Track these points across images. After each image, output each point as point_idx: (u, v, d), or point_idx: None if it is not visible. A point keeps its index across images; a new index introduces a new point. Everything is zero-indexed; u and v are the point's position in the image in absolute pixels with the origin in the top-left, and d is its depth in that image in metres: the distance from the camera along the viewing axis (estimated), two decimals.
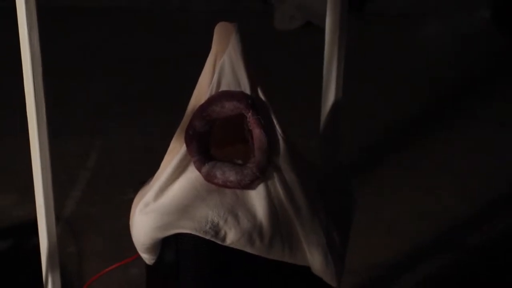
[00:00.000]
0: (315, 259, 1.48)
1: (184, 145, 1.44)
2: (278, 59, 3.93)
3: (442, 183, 2.96)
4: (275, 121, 1.44)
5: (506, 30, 4.39)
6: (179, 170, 1.46)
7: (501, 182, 2.97)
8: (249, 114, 1.41)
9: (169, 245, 1.51)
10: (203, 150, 1.45)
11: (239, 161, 1.44)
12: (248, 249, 1.44)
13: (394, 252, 2.54)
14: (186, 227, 1.45)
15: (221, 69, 1.43)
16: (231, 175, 1.42)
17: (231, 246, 1.44)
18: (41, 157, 1.71)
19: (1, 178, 2.93)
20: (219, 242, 1.44)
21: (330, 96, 1.70)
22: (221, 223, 1.43)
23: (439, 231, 2.67)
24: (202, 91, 1.46)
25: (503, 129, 3.36)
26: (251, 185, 1.43)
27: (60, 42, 3.78)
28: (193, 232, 1.44)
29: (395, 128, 3.40)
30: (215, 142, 1.47)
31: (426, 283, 2.42)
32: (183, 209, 1.45)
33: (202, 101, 1.45)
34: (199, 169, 1.44)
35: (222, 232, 1.43)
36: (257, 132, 1.41)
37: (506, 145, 3.23)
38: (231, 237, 1.43)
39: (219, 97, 1.43)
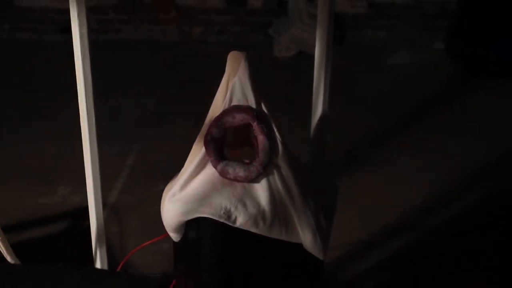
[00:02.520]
0: (306, 238, 1.48)
1: (203, 148, 1.44)
2: (277, 80, 3.94)
3: (406, 178, 2.96)
4: (275, 129, 1.44)
5: (456, 59, 4.39)
6: (199, 168, 1.45)
7: (451, 176, 2.97)
8: (255, 123, 1.41)
9: (191, 227, 1.51)
10: (218, 152, 1.44)
11: (247, 161, 1.44)
12: (254, 230, 1.44)
13: (366, 233, 2.53)
14: (205, 212, 1.44)
15: (233, 88, 1.43)
16: (240, 172, 1.42)
17: (240, 227, 1.43)
18: (91, 157, 1.71)
19: (60, 173, 2.93)
20: (231, 224, 1.43)
21: (318, 109, 1.70)
22: (232, 209, 1.42)
23: (403, 215, 2.66)
24: (217, 105, 1.46)
25: (451, 137, 3.36)
26: (256, 180, 1.42)
27: (107, 68, 3.78)
28: (210, 216, 1.44)
29: (368, 135, 3.40)
30: (227, 146, 1.47)
31: (391, 256, 2.42)
32: (202, 198, 1.45)
33: (218, 113, 1.44)
34: (215, 167, 1.43)
35: (233, 216, 1.43)
36: (260, 138, 1.41)
37: (454, 149, 3.23)
38: (240, 220, 1.43)
39: (231, 110, 1.43)
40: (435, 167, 3.07)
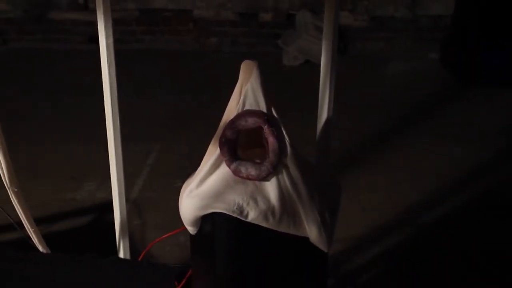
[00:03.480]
0: (312, 232, 1.47)
1: (218, 149, 1.43)
2: (286, 87, 3.93)
3: (403, 178, 2.95)
4: (284, 132, 1.43)
5: (450, 68, 4.38)
6: (215, 167, 1.45)
7: (445, 176, 2.96)
8: (266, 126, 1.40)
9: (207, 221, 1.50)
10: (232, 152, 1.44)
11: (258, 160, 1.43)
12: (264, 224, 1.43)
13: (366, 228, 2.53)
14: (219, 208, 1.44)
15: (245, 94, 1.43)
16: (252, 171, 1.41)
17: (252, 222, 1.43)
18: (115, 156, 1.71)
19: (87, 171, 2.94)
20: (243, 219, 1.43)
21: (323, 114, 1.69)
22: (245, 205, 1.42)
23: (400, 213, 2.65)
24: (231, 110, 1.45)
25: (445, 140, 3.35)
26: (266, 178, 1.42)
27: (130, 75, 3.79)
28: (224, 211, 1.43)
29: (368, 138, 3.39)
30: (240, 147, 1.46)
31: (389, 250, 2.42)
32: (217, 194, 1.44)
33: (232, 117, 1.44)
34: (228, 166, 1.43)
35: (245, 212, 1.42)
36: (271, 140, 1.40)
37: (448, 151, 3.23)
38: (252, 215, 1.42)
39: (244, 114, 1.42)
40: (430, 167, 3.06)
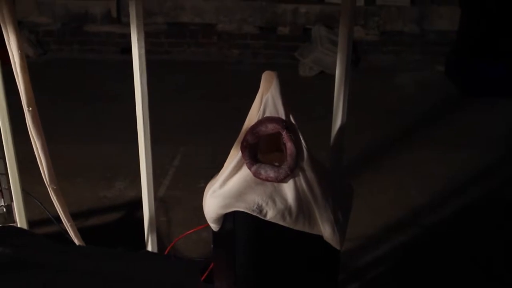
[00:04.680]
0: (326, 230, 1.46)
1: (240, 152, 1.43)
2: (302, 95, 3.92)
3: (409, 181, 2.93)
4: (301, 137, 1.43)
5: (454, 80, 4.35)
6: (236, 169, 1.45)
7: (448, 180, 2.93)
8: (284, 132, 1.40)
9: (229, 219, 1.50)
10: (253, 155, 1.43)
11: (277, 164, 1.43)
12: (281, 223, 1.43)
13: (374, 228, 2.51)
14: (240, 207, 1.44)
15: (266, 102, 1.42)
16: (271, 173, 1.41)
17: (270, 220, 1.43)
18: (145, 157, 1.72)
19: (118, 170, 2.95)
20: (262, 217, 1.42)
21: (337, 121, 1.68)
22: (264, 204, 1.42)
23: (405, 214, 2.63)
24: (252, 116, 1.45)
25: (449, 146, 3.33)
26: (284, 180, 1.41)
27: (158, 83, 3.81)
28: (245, 210, 1.43)
29: (377, 144, 3.37)
30: (260, 150, 1.46)
31: (395, 248, 2.40)
32: (238, 194, 1.44)
33: (253, 123, 1.44)
34: (249, 168, 1.43)
35: (264, 211, 1.42)
36: (289, 145, 1.40)
37: (451, 157, 3.19)
38: (270, 214, 1.42)
39: (264, 120, 1.42)
40: (435, 172, 3.03)
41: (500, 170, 3.08)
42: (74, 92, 4.11)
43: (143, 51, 1.57)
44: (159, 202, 2.64)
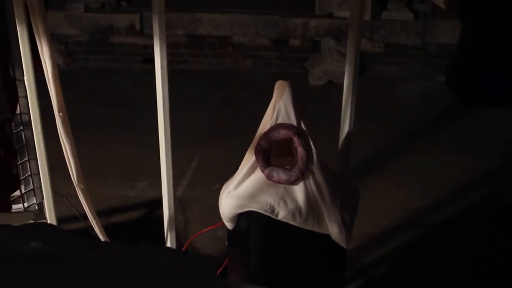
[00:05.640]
0: (333, 230, 1.46)
1: (254, 156, 1.44)
2: (312, 103, 3.92)
3: (411, 184, 2.91)
4: (311, 142, 1.43)
5: (454, 90, 4.33)
6: (250, 171, 1.45)
7: (448, 183, 2.90)
8: (295, 138, 1.40)
9: (243, 218, 1.51)
10: (266, 159, 1.44)
11: (288, 167, 1.43)
12: (292, 222, 1.43)
13: (378, 227, 2.50)
14: (253, 207, 1.44)
15: (278, 110, 1.43)
16: (283, 176, 1.41)
17: (281, 220, 1.43)
18: (166, 159, 1.72)
19: (140, 172, 2.96)
20: (274, 217, 1.43)
21: (345, 128, 1.68)
22: (276, 205, 1.42)
23: (408, 214, 2.62)
24: (266, 123, 1.46)
25: (449, 152, 3.30)
26: (295, 182, 1.42)
27: (178, 90, 3.82)
28: (258, 210, 1.43)
29: (382, 149, 3.36)
30: (273, 155, 1.46)
31: (398, 246, 2.39)
32: (252, 195, 1.44)
33: (266, 129, 1.44)
34: (262, 171, 1.43)
35: (276, 211, 1.42)
36: (299, 149, 1.40)
37: (451, 162, 3.17)
38: (282, 214, 1.42)
39: (277, 127, 1.43)
40: (435, 175, 3.01)
41: (500, 174, 3.06)
42: (100, 98, 4.14)
43: (165, 61, 1.57)
44: (177, 201, 2.64)
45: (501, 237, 2.49)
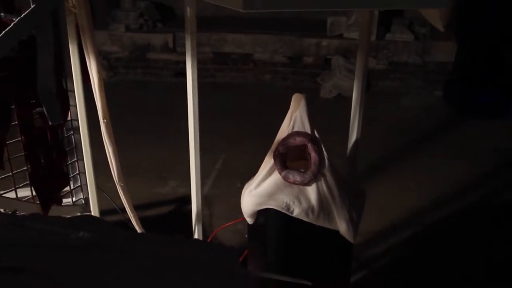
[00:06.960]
0: (342, 226, 1.45)
1: (272, 160, 1.44)
2: (324, 114, 3.90)
3: (412, 186, 2.89)
4: (323, 148, 1.42)
5: (450, 103, 4.29)
6: (269, 173, 1.45)
7: (447, 186, 2.87)
8: (309, 144, 1.40)
9: (262, 214, 1.51)
10: (283, 163, 1.44)
11: (302, 170, 1.43)
12: (305, 219, 1.43)
13: (383, 225, 2.47)
14: (271, 205, 1.44)
15: (295, 119, 1.43)
16: (298, 177, 1.41)
17: (296, 217, 1.42)
18: (195, 161, 1.73)
19: (171, 171, 2.98)
20: (289, 214, 1.43)
21: (353, 136, 1.68)
22: (291, 203, 1.42)
23: (408, 214, 2.59)
24: (283, 131, 1.46)
25: (447, 159, 3.27)
26: (308, 184, 1.41)
27: (205, 101, 3.84)
28: (275, 208, 1.43)
29: (386, 155, 3.33)
30: (289, 159, 1.46)
31: (399, 242, 2.37)
32: (270, 194, 1.44)
33: (283, 136, 1.44)
34: (280, 173, 1.43)
35: (291, 209, 1.42)
36: (313, 154, 1.40)
37: (448, 168, 3.13)
38: (296, 212, 1.42)
39: (293, 134, 1.43)
40: (436, 179, 2.98)
41: (492, 178, 3.02)
42: (138, 107, 4.18)
43: (195, 75, 1.58)
44: (203, 198, 2.65)
45: (495, 234, 2.45)
